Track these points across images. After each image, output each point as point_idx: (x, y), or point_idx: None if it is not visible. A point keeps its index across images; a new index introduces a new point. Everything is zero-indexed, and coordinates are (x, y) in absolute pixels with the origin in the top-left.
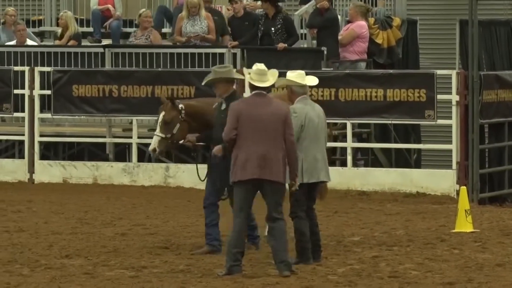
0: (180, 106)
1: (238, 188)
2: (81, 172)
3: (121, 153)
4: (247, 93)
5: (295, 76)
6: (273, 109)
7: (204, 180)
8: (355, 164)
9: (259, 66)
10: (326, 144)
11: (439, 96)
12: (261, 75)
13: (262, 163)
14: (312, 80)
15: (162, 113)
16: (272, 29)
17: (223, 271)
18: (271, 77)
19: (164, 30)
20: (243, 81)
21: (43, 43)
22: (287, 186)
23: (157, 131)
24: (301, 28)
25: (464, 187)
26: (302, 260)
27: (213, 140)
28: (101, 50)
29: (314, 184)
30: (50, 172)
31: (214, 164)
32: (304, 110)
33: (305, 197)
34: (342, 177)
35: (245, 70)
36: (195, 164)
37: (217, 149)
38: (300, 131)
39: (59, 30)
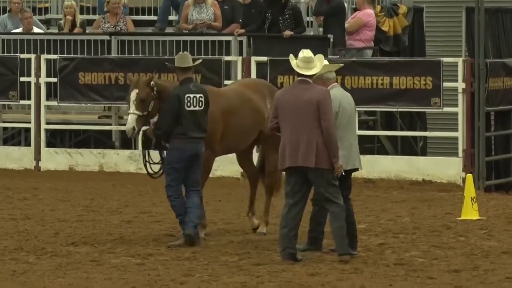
0: (151, 83)
1: (286, 175)
2: (87, 159)
3: (127, 141)
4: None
5: (302, 58)
6: (309, 96)
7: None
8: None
9: (305, 54)
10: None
11: (445, 84)
12: (307, 62)
13: (292, 151)
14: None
15: (136, 91)
16: (280, 18)
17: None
18: (318, 62)
19: (170, 17)
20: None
21: (49, 31)
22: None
23: (133, 110)
24: (308, 15)
25: (470, 174)
26: (312, 248)
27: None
28: (107, 37)
29: (349, 172)
30: (56, 159)
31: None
32: (338, 99)
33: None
34: None
35: (291, 56)
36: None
37: (149, 131)
38: (334, 119)
39: (62, 20)
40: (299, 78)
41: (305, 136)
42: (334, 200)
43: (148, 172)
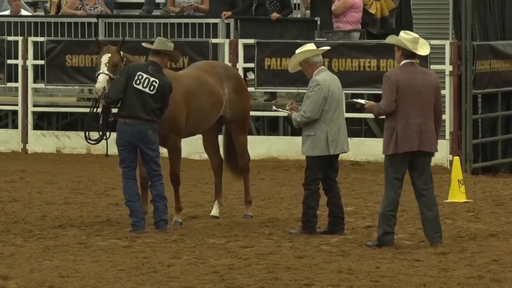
0: (121, 52)
1: (394, 160)
2: (74, 142)
3: (115, 123)
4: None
5: (410, 39)
6: (427, 79)
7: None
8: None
9: (413, 34)
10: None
11: (433, 66)
12: (416, 43)
13: (420, 135)
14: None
15: (109, 55)
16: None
17: (374, 242)
18: (424, 45)
19: (157, 0)
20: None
21: (36, 13)
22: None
23: (105, 70)
24: None
25: (457, 157)
26: (306, 232)
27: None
28: (95, 20)
29: (337, 156)
30: (43, 142)
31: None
32: (327, 82)
33: (323, 170)
34: None
35: (392, 37)
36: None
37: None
38: (324, 102)
39: (48, 3)
40: (408, 60)
41: (429, 121)
42: (431, 184)
43: (85, 136)
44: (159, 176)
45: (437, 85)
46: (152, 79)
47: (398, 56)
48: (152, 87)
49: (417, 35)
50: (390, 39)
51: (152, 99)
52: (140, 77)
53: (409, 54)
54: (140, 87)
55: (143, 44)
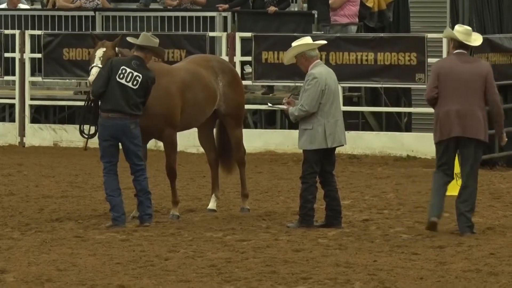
0: (116, 48)
1: (438, 146)
2: (71, 135)
3: None
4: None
5: (462, 31)
6: (474, 67)
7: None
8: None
9: (465, 27)
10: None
11: (430, 60)
12: (468, 34)
13: (460, 121)
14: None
15: (103, 49)
16: None
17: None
18: (477, 37)
19: None
20: None
21: (33, 7)
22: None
23: (98, 63)
24: None
25: None
26: (303, 225)
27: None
28: (92, 13)
29: (334, 149)
30: (40, 135)
31: None
32: (323, 76)
33: (320, 163)
34: None
35: (448, 29)
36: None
37: None
38: (321, 96)
39: None
40: (457, 51)
41: (473, 108)
42: (476, 176)
43: (80, 130)
44: (142, 171)
45: (486, 74)
46: (135, 73)
47: (451, 47)
48: (135, 82)
49: (469, 28)
50: (444, 33)
51: (135, 94)
52: (123, 71)
53: (460, 45)
54: (123, 81)
55: (128, 39)
